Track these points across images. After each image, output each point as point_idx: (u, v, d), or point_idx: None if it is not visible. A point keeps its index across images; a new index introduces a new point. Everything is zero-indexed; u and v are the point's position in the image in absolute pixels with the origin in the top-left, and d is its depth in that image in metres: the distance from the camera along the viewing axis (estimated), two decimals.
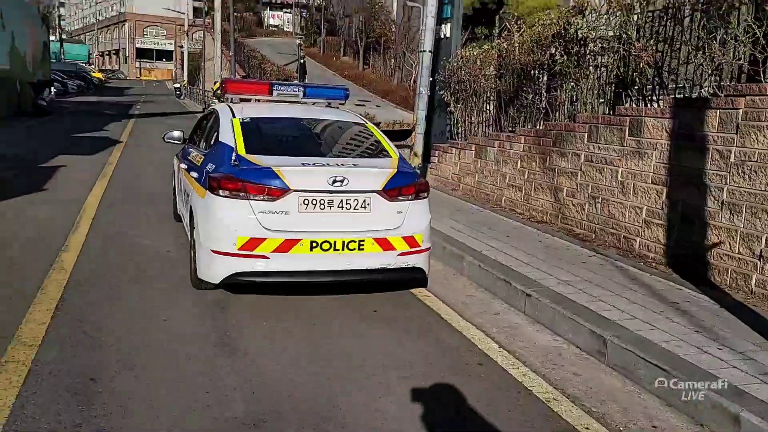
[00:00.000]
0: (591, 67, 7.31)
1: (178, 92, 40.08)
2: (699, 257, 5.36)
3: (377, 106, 30.18)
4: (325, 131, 5.54)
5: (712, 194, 5.24)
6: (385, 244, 4.51)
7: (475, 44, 28.62)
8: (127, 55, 78.52)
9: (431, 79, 7.03)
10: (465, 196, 9.05)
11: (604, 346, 3.95)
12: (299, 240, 4.29)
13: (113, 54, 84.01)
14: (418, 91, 6.68)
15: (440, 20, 9.86)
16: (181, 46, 63.10)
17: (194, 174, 5.03)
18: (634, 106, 6.57)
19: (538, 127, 8.10)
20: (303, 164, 4.53)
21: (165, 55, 76.74)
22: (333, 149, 5.28)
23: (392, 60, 37.14)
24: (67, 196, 7.73)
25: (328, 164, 4.62)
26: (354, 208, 4.46)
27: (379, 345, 4.01)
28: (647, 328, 4.06)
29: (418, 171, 6.68)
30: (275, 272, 4.33)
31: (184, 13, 58.68)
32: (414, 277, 4.81)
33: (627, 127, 6.21)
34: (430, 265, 4.96)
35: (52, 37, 71.27)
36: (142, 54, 77.24)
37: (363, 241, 4.42)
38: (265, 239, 4.24)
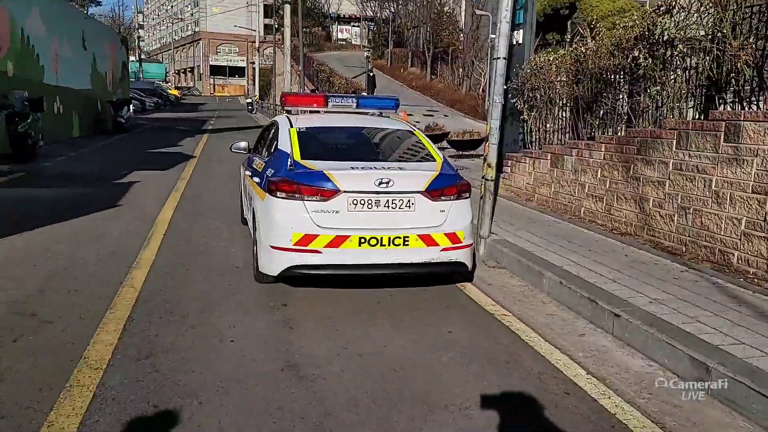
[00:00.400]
0: (679, 70, 6.81)
1: (250, 107, 41.19)
2: None
3: (445, 115, 29.92)
4: (375, 138, 6.03)
5: None
6: (428, 240, 4.85)
7: (549, 50, 27.98)
8: (201, 72, 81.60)
9: (505, 87, 6.75)
10: (540, 207, 8.65)
11: (707, 374, 3.54)
12: (349, 236, 4.67)
13: (188, 72, 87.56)
14: (491, 99, 6.35)
15: (513, 26, 9.53)
16: (253, 63, 65.04)
17: (256, 179, 5.55)
18: (729, 110, 6.04)
19: (619, 134, 7.64)
20: (352, 168, 4.92)
21: (237, 71, 79.29)
22: (381, 154, 5.77)
23: (460, 69, 36.85)
24: (140, 213, 7.85)
25: (375, 168, 5.01)
26: (399, 207, 4.84)
27: (454, 375, 3.71)
28: (758, 355, 3.61)
29: (491, 180, 6.35)
30: (327, 265, 4.73)
31: (255, 31, 60.43)
32: (458, 271, 5.17)
33: (722, 133, 5.69)
34: (474, 260, 5.33)
35: (131, 58, 75.63)
36: (216, 71, 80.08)
37: (408, 237, 4.78)
38: (317, 235, 4.66)
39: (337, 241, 4.66)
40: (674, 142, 6.34)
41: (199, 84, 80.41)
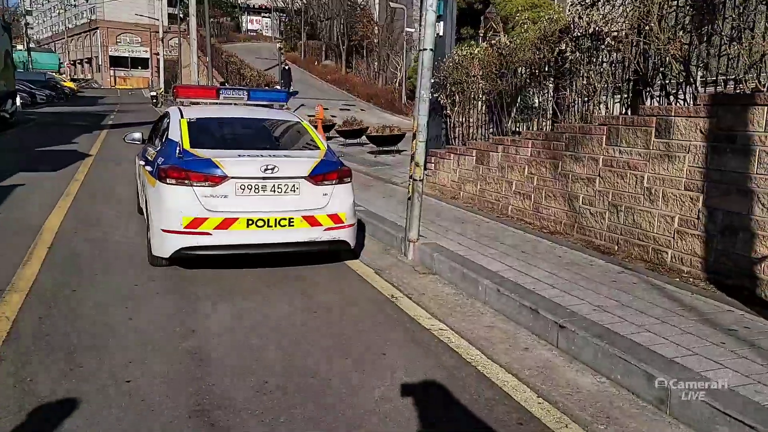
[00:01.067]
0: (605, 64, 6.66)
1: (154, 100, 38.97)
2: (745, 272, 4.72)
3: (362, 109, 29.53)
4: (263, 128, 6.38)
5: (761, 201, 4.60)
6: (312, 221, 5.29)
7: (464, 44, 28.12)
8: (100, 63, 76.80)
9: (432, 80, 6.42)
10: (467, 205, 8.35)
11: (666, 393, 3.26)
12: (237, 218, 5.03)
13: (86, 62, 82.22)
14: (418, 94, 5.93)
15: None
16: (157, 54, 61.82)
17: (149, 168, 5.80)
18: (660, 104, 5.93)
19: (546, 130, 7.44)
20: (239, 155, 5.32)
21: (140, 62, 75.20)
22: (269, 143, 6.06)
23: (375, 63, 36.54)
24: (22, 223, 6.84)
25: (261, 155, 5.34)
26: (284, 192, 5.26)
27: (394, 409, 3.25)
28: (714, 367, 3.38)
29: (419, 179, 5.94)
30: (217, 246, 5.06)
31: (158, 19, 57.43)
32: (340, 249, 5.65)
33: (653, 128, 5.55)
34: (356, 239, 5.79)
35: (19, 47, 69.92)
36: (117, 62, 75.59)
37: (293, 219, 5.20)
38: (207, 218, 4.98)
39: (226, 224, 5.02)
40: (604, 138, 6.17)
41: (98, 76, 75.61)
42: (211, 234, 4.98)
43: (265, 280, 5.23)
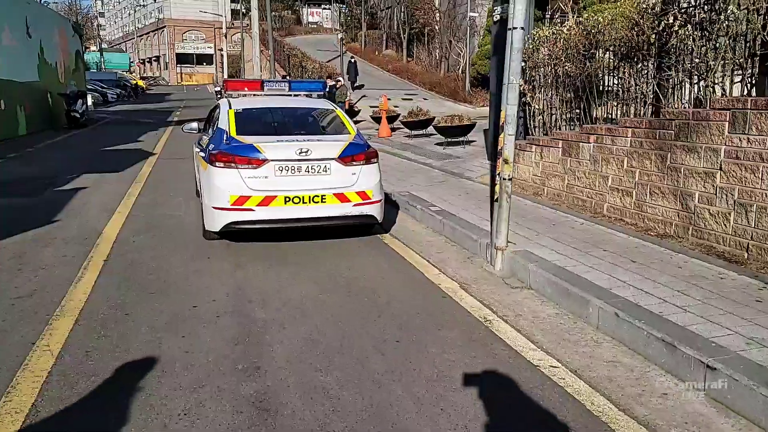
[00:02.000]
0: (722, 38, 5.67)
1: (218, 95, 39.43)
2: None
3: (424, 99, 28.68)
4: (301, 116, 7.04)
5: None
6: (342, 198, 5.87)
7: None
8: (167, 61, 78.84)
9: (522, 64, 5.69)
10: (553, 203, 7.49)
11: None
12: (276, 196, 5.68)
13: (154, 61, 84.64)
14: (506, 80, 5.18)
15: None
16: (221, 49, 62.87)
17: (202, 153, 6.52)
18: None
19: (649, 117, 6.49)
20: (278, 141, 6.00)
21: (205, 59, 76.73)
22: (304, 128, 6.70)
23: (437, 50, 35.51)
24: (80, 230, 6.47)
25: (297, 140, 5.98)
26: (317, 172, 5.85)
27: None
28: None
29: (508, 179, 5.18)
30: (259, 220, 5.70)
31: (221, 16, 58.21)
32: (368, 223, 6.16)
33: None
34: (384, 213, 6.28)
35: (93, 48, 72.47)
36: (183, 59, 77.39)
37: (325, 195, 5.80)
38: (250, 197, 5.64)
39: (266, 201, 5.67)
40: (726, 125, 5.21)
41: (166, 73, 77.65)
42: (254, 210, 5.66)
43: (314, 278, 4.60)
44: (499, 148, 5.29)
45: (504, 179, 5.25)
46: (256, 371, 3.36)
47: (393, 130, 17.30)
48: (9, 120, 16.72)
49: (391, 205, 7.99)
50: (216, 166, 5.76)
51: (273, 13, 40.85)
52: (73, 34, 24.87)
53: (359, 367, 3.44)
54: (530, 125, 8.85)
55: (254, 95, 7.41)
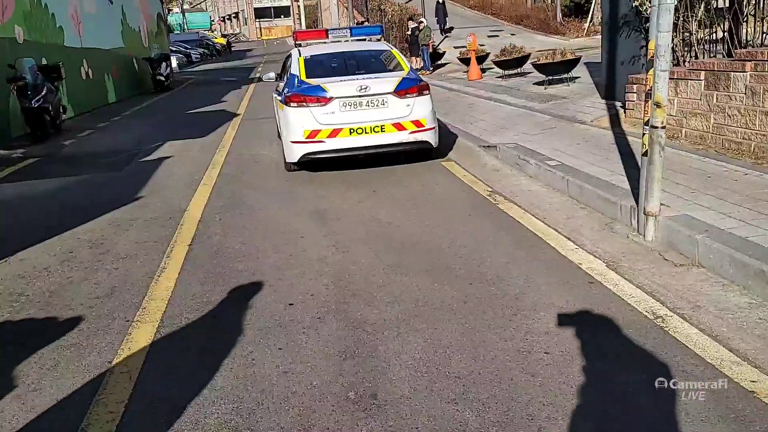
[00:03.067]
0: None
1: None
2: None
3: (512, 34, 26.70)
4: (361, 57, 7.72)
5: None
6: (399, 127, 6.69)
7: None
8: (246, 17, 79.03)
9: None
10: (696, 148, 6.25)
11: None
12: (342, 128, 6.59)
13: (233, 17, 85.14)
14: (655, 1, 4.02)
15: None
16: (297, 0, 61.97)
17: (279, 97, 7.49)
18: None
19: None
20: (341, 80, 6.85)
21: (282, 11, 76.09)
22: (364, 68, 7.33)
23: None
24: (164, 209, 5.95)
25: (356, 78, 6.89)
26: (376, 105, 6.70)
27: None
28: None
29: (661, 127, 4.10)
30: (329, 150, 6.65)
31: None
32: (424, 147, 6.96)
33: None
34: (437, 138, 7.08)
35: (176, 9, 73.69)
36: (260, 13, 77.18)
37: (384, 126, 6.65)
38: (320, 130, 6.58)
39: (334, 133, 6.58)
40: None
41: (245, 29, 77.99)
42: (324, 141, 6.58)
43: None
44: (647, 87, 4.20)
45: (654, 128, 4.18)
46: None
47: (483, 71, 16.01)
48: (98, 88, 16.79)
49: (499, 160, 7.02)
50: (291, 106, 6.74)
51: None
52: None
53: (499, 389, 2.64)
54: None
55: (322, 43, 8.38)
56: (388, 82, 6.84)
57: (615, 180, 5.30)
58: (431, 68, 19.59)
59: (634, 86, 7.24)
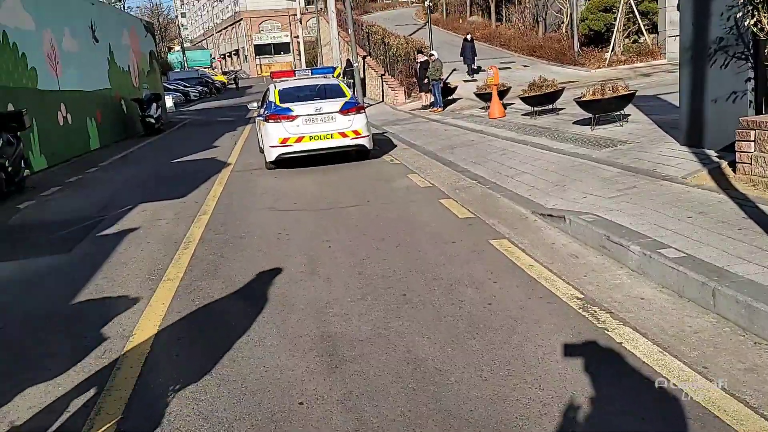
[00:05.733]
0: None
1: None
2: None
3: (524, 66, 25.16)
4: (317, 88, 11.15)
5: None
6: (343, 135, 9.95)
7: None
8: (246, 53, 78.42)
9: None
10: None
11: None
12: (304, 136, 9.82)
13: (234, 54, 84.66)
14: None
15: None
16: (297, 37, 61.14)
17: (260, 118, 10.99)
18: None
19: None
20: (303, 104, 10.14)
21: (282, 48, 75.51)
22: (319, 96, 10.74)
23: (535, 8, 31.59)
24: (99, 334, 4.04)
25: (314, 102, 10.23)
26: (327, 121, 9.92)
27: None
28: None
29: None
30: (295, 151, 9.89)
31: (295, 0, 56.53)
32: (361, 150, 10.32)
33: None
34: (372, 143, 10.50)
35: (177, 48, 72.92)
36: (261, 50, 76.59)
37: (333, 134, 9.90)
38: (289, 137, 9.79)
39: (299, 139, 9.84)
40: None
41: (246, 66, 77.28)
42: (292, 146, 9.86)
43: None
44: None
45: None
46: None
47: (505, 106, 14.30)
48: (78, 134, 15.08)
49: (571, 237, 5.13)
50: (269, 122, 9.90)
51: None
52: (145, 34, 23.32)
53: None
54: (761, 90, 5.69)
55: (291, 79, 11.75)
56: (335, 104, 10.12)
57: None
58: (443, 105, 17.94)
59: (752, 132, 5.36)
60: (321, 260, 5.18)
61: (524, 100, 12.55)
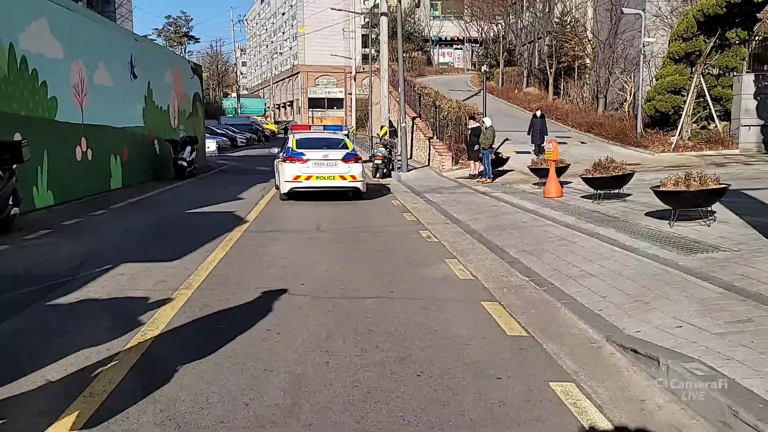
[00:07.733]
0: None
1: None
2: None
3: (581, 142, 23.73)
4: (327, 140, 14.19)
5: None
6: (344, 178, 12.88)
7: (728, 51, 21.15)
8: (299, 105, 79.46)
9: None
10: None
11: None
12: (312, 175, 12.76)
13: (288, 105, 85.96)
14: None
15: None
16: (350, 93, 61.41)
17: (279, 159, 13.81)
18: None
19: None
20: (314, 150, 13.11)
21: (336, 102, 76.24)
22: (327, 146, 13.60)
23: (589, 85, 30.43)
24: None
25: (323, 150, 13.22)
26: (332, 165, 12.87)
27: None
28: None
29: None
30: (305, 187, 12.80)
31: (351, 58, 57.04)
32: (356, 191, 13.21)
33: None
34: (365, 187, 13.52)
35: (233, 94, 74.43)
36: (314, 103, 77.46)
37: (335, 176, 12.86)
38: (300, 175, 12.71)
39: (308, 178, 12.68)
40: None
41: (298, 117, 78.12)
42: (302, 182, 12.66)
43: None
44: None
45: None
46: None
47: (563, 184, 12.79)
48: (98, 172, 14.18)
49: (667, 390, 3.47)
50: (286, 162, 12.87)
51: (403, 54, 38.02)
52: (192, 75, 22.91)
53: None
54: None
55: (306, 132, 15.88)
56: (339, 153, 13.05)
57: None
58: (492, 176, 16.56)
59: None
60: (309, 386, 3.69)
61: (587, 181, 11.03)
